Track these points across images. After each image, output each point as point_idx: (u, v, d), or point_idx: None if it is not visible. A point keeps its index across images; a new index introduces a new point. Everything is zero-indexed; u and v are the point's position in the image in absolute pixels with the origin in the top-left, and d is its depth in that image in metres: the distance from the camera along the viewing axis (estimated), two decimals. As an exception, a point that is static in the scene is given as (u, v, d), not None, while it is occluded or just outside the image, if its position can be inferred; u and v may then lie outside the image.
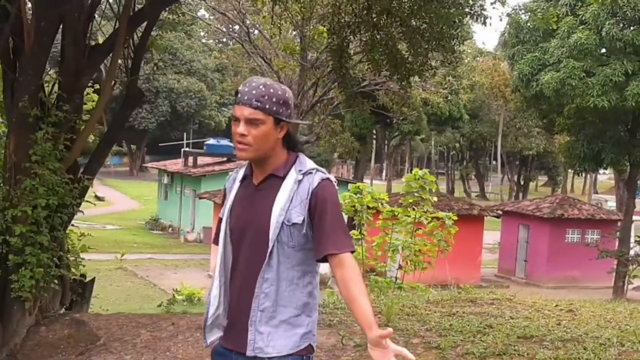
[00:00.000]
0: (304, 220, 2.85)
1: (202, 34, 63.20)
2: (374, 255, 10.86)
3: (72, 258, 7.27)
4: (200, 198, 29.04)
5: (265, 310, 2.87)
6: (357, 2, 8.60)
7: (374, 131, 48.08)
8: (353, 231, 10.96)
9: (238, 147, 2.90)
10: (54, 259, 6.49)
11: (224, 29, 33.50)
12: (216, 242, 3.09)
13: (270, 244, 2.85)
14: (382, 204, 10.35)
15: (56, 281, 6.56)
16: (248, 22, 26.87)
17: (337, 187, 2.98)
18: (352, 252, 2.88)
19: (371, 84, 25.65)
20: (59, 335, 6.36)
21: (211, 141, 37.00)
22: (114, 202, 47.95)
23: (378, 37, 9.37)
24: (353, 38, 9.67)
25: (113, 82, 6.89)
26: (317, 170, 2.93)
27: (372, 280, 10.22)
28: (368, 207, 10.42)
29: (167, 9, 7.82)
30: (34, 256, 6.22)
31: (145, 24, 7.39)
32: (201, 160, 36.11)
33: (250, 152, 2.88)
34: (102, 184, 55.48)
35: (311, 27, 21.71)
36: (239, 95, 2.86)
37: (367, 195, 10.31)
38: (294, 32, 25.39)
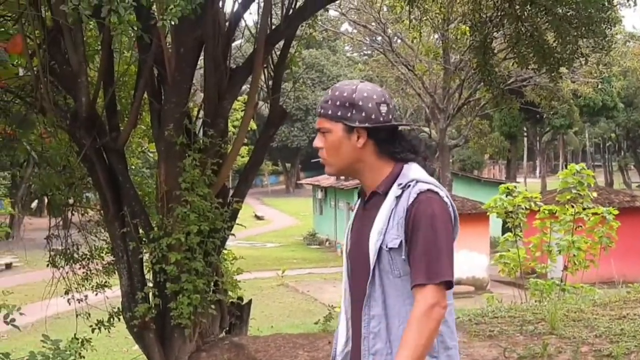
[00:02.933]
0: (401, 243, 2.39)
1: (347, 48, 63.79)
2: (532, 256, 10.47)
3: (229, 281, 7.29)
4: (353, 210, 28.99)
5: (377, 353, 2.43)
6: (498, -4, 8.20)
7: (524, 128, 46.64)
8: (507, 234, 10.50)
9: (322, 163, 2.56)
10: (210, 284, 6.53)
11: (367, 41, 33.49)
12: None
13: (371, 274, 2.42)
14: (535, 203, 9.94)
15: (213, 306, 6.58)
16: (389, 31, 26.69)
17: (444, 200, 2.43)
18: (440, 283, 2.34)
19: (517, 80, 24.78)
20: (219, 360, 6.37)
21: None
22: (273, 220, 49.10)
23: (523, 29, 8.85)
24: (496, 33, 9.23)
25: (255, 103, 6.86)
26: (418, 181, 2.44)
27: (533, 283, 9.77)
28: (522, 208, 10.01)
29: (303, 24, 7.72)
30: (190, 283, 6.26)
31: (283, 42, 7.34)
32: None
33: (330, 167, 2.53)
34: (261, 204, 57.15)
35: (452, 28, 21.25)
36: None
37: (518, 195, 9.88)
38: (435, 35, 24.94)
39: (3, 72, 7.19)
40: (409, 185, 2.44)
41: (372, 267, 2.43)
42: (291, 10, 7.07)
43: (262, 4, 6.99)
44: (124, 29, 5.38)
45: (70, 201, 9.34)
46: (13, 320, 4.16)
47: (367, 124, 2.46)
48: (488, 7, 8.64)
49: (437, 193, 2.43)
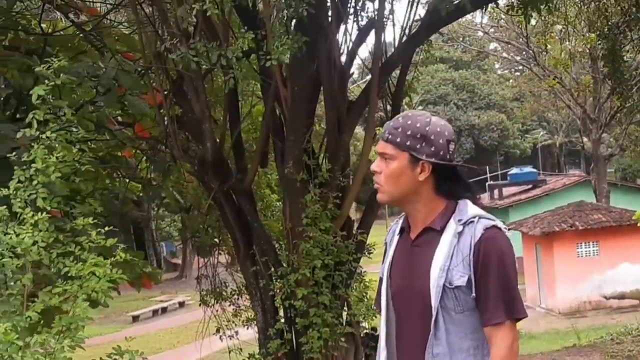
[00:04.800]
0: (469, 280, 2.34)
1: (496, 66, 62.65)
2: None
3: (362, 312, 7.27)
4: (508, 229, 28.23)
5: None
6: (625, 0, 7.77)
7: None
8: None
9: (375, 187, 2.51)
10: (339, 317, 6.56)
11: (513, 57, 32.75)
12: (377, 305, 2.66)
13: (434, 312, 2.35)
14: None
15: (344, 339, 6.59)
16: (533, 45, 25.94)
17: (507, 235, 2.41)
18: (516, 319, 2.33)
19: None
20: (353, 393, 6.35)
21: (514, 170, 36.14)
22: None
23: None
24: (624, 39, 8.75)
25: (373, 134, 6.87)
26: (480, 217, 2.39)
27: None
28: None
29: (418, 50, 7.68)
30: (319, 317, 6.32)
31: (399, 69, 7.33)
32: (506, 191, 35.27)
33: (384, 194, 2.47)
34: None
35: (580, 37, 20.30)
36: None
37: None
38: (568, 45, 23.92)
39: (146, 122, 7.66)
40: (472, 222, 2.39)
41: (434, 306, 2.37)
42: (404, 38, 7.05)
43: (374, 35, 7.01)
44: (239, 70, 5.63)
45: (216, 241, 9.74)
46: (135, 364, 4.33)
47: (434, 159, 2.41)
48: (615, 13, 8.23)
49: (500, 229, 2.41)
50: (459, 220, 2.41)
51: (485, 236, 2.36)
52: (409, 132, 2.40)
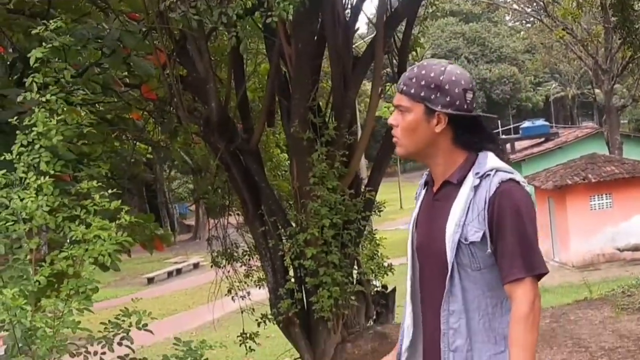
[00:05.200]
0: (483, 236, 2.26)
1: (507, 18, 61.93)
2: None
3: (371, 269, 7.27)
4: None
5: (457, 350, 2.32)
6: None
7: None
8: None
9: (394, 141, 2.42)
10: (349, 275, 6.55)
11: (525, 9, 32.23)
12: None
13: (449, 268, 2.29)
14: None
15: (354, 297, 6.59)
16: (543, -4, 25.55)
17: (525, 189, 2.31)
18: (537, 276, 2.25)
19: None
20: (364, 350, 6.38)
21: (526, 124, 35.97)
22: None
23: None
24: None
25: (379, 90, 6.78)
26: (498, 170, 2.29)
27: None
28: None
29: (423, 3, 7.53)
30: (328, 276, 6.31)
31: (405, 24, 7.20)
32: (519, 144, 35.12)
33: (401, 148, 2.38)
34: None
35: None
36: None
37: None
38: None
39: (152, 84, 7.59)
40: (488, 175, 2.30)
41: (450, 262, 2.31)
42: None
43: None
44: (241, 28, 5.54)
45: (226, 203, 9.72)
46: (145, 325, 4.36)
47: (450, 110, 2.31)
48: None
49: (518, 182, 2.31)
50: (477, 173, 2.32)
51: (500, 189, 2.27)
52: (423, 82, 2.30)
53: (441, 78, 2.30)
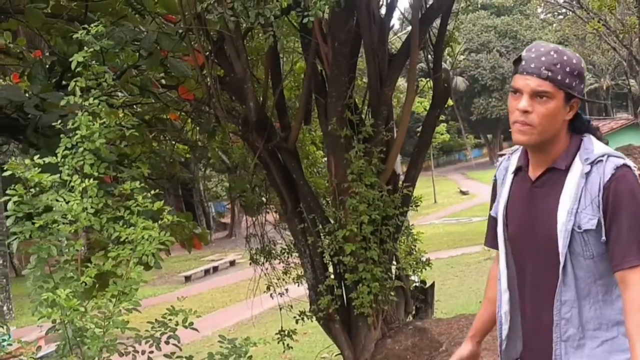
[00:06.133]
0: (598, 223, 2.23)
1: (539, 10, 61.30)
2: None
3: (410, 264, 7.29)
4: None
5: (569, 339, 2.32)
6: None
7: None
8: None
9: (517, 129, 2.32)
10: (388, 271, 6.58)
11: (557, 1, 31.90)
12: (489, 243, 2.62)
13: (562, 258, 2.27)
14: None
15: (393, 293, 6.62)
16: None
17: (637, 174, 2.28)
18: None
19: None
20: (404, 345, 6.40)
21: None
22: (478, 194, 48.24)
23: None
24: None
25: (415, 86, 6.79)
26: (609, 155, 2.27)
27: None
28: None
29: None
30: (368, 272, 6.34)
31: (440, 20, 7.19)
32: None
33: (533, 135, 2.29)
34: (465, 178, 56.55)
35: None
36: (523, 63, 2.29)
37: None
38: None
39: (189, 84, 7.68)
40: (600, 161, 2.28)
41: (563, 251, 2.29)
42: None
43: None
44: (278, 28, 5.59)
45: (264, 200, 9.79)
46: (191, 323, 4.43)
47: (583, 97, 2.33)
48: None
49: (630, 168, 2.29)
50: (586, 160, 2.30)
51: (616, 176, 2.25)
52: (567, 69, 2.27)
53: (581, 65, 2.30)
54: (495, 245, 2.61)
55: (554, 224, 2.30)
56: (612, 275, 2.28)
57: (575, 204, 2.27)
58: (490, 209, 2.67)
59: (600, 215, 2.24)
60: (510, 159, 2.56)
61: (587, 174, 2.28)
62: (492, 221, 2.62)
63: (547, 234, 2.31)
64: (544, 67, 2.26)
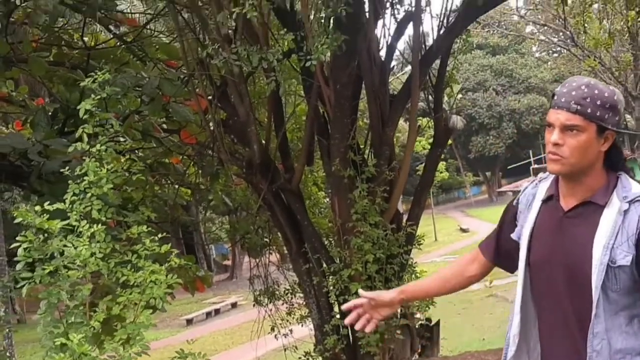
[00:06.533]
0: (632, 260, 2.29)
1: (534, 49, 61.92)
2: None
3: (415, 304, 7.29)
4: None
5: None
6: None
7: None
8: None
9: (550, 158, 2.38)
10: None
11: (550, 40, 32.28)
12: (483, 251, 2.74)
13: (595, 292, 2.31)
14: None
15: (399, 331, 6.62)
16: (571, 26, 25.54)
17: None
18: None
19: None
20: (412, 384, 6.39)
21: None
22: (478, 232, 48.19)
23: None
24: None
25: (416, 126, 6.87)
26: None
27: None
28: None
29: (457, 40, 7.63)
30: (374, 311, 6.32)
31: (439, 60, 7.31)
32: (553, 174, 34.78)
33: (564, 166, 2.35)
34: (465, 216, 56.41)
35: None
36: (556, 98, 2.36)
37: None
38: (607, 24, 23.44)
39: (191, 128, 7.76)
40: (638, 200, 2.34)
41: (596, 285, 2.32)
42: (442, 28, 7.03)
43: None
44: (280, 71, 5.68)
45: (267, 241, 9.81)
46: (201, 366, 4.44)
47: (618, 129, 2.37)
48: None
49: None
50: (624, 197, 2.35)
51: None
52: (598, 102, 2.31)
53: (615, 98, 2.33)
54: (488, 255, 2.76)
55: (588, 257, 2.34)
56: (634, 308, 2.35)
57: (611, 240, 2.31)
58: (499, 229, 2.74)
59: (634, 252, 2.30)
60: (538, 186, 2.60)
61: (625, 212, 2.33)
62: (494, 233, 2.72)
63: (579, 265, 2.36)
64: (573, 102, 2.31)
